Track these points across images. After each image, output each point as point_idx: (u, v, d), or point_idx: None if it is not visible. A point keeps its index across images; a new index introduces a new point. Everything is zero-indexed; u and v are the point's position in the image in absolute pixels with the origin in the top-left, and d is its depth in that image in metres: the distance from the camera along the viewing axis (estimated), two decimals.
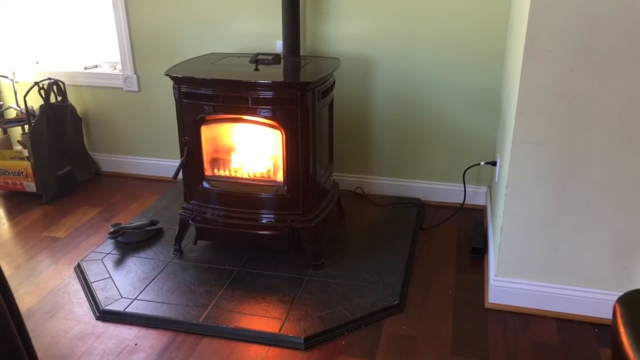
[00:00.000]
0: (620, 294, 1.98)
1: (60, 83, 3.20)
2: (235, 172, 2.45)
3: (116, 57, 3.23)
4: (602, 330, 2.00)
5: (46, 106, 3.10)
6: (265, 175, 2.43)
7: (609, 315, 2.00)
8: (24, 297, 2.22)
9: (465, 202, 2.86)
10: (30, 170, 3.05)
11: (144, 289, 2.24)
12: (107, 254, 2.51)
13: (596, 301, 2.03)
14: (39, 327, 2.05)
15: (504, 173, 2.11)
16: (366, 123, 2.97)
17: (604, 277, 2.01)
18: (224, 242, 2.55)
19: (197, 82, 2.26)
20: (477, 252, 2.49)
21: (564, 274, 2.04)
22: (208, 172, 2.42)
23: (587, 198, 1.93)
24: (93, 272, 2.37)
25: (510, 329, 2.03)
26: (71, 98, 3.29)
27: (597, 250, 1.98)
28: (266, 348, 1.94)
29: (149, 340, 1.98)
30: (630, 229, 1.93)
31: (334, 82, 2.51)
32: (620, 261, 1.98)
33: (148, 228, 2.65)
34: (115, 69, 3.30)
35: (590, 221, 1.95)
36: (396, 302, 2.15)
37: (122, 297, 2.19)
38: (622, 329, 1.19)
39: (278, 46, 2.85)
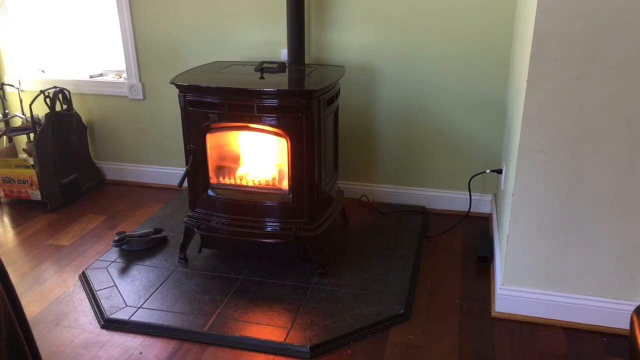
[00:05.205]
0: (629, 302, 1.98)
1: (65, 91, 3.21)
2: (240, 180, 2.45)
3: (121, 65, 3.25)
4: (610, 340, 1.99)
5: (52, 114, 3.11)
6: (270, 183, 2.43)
7: (618, 325, 2.00)
8: (29, 306, 2.21)
9: (471, 210, 2.84)
10: (35, 179, 3.05)
11: (149, 297, 2.24)
12: (112, 262, 2.51)
13: (604, 310, 2.01)
14: (44, 335, 2.04)
15: (510, 181, 2.10)
16: (371, 131, 2.97)
17: (612, 286, 1.99)
18: (228, 250, 2.54)
19: (202, 90, 2.26)
20: (483, 261, 2.48)
21: (572, 282, 2.03)
22: (213, 180, 2.42)
23: (594, 206, 1.92)
24: (98, 280, 2.36)
25: (517, 338, 2.01)
26: (76, 106, 3.30)
27: (605, 259, 1.97)
28: (271, 357, 1.93)
29: (154, 349, 1.97)
30: (638, 238, 1.92)
31: (339, 90, 2.51)
32: (628, 270, 1.96)
33: (153, 236, 2.65)
34: (120, 77, 3.31)
35: (597, 229, 1.94)
36: (402, 311, 2.13)
37: (126, 305, 2.19)
38: None
39: (283, 54, 2.86)
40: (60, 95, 3.19)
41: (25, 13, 3.37)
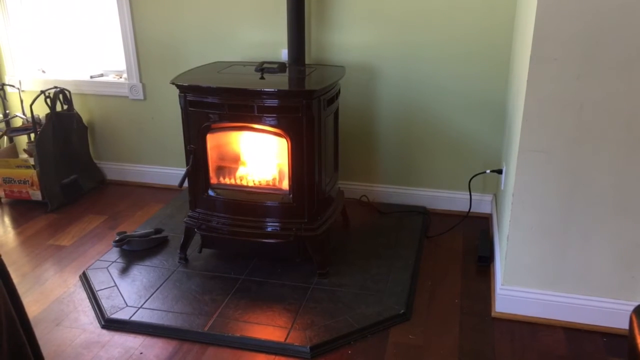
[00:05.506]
0: (629, 302, 1.98)
1: (66, 92, 3.21)
2: (241, 180, 2.45)
3: (122, 65, 3.25)
4: (611, 340, 1.99)
5: (52, 115, 3.12)
6: (271, 184, 2.43)
7: (618, 325, 2.00)
8: (30, 306, 2.21)
9: (471, 210, 2.85)
10: (35, 179, 3.06)
11: (149, 297, 2.24)
12: (113, 262, 2.51)
13: (604, 310, 2.01)
14: (45, 335, 2.04)
15: (510, 181, 2.10)
16: (371, 131, 2.97)
17: (612, 286, 2.00)
18: (229, 251, 2.55)
19: (203, 90, 2.26)
20: (483, 261, 2.48)
21: (572, 282, 2.03)
22: (213, 180, 2.42)
23: (594, 206, 1.92)
24: (98, 280, 2.36)
25: (517, 339, 2.01)
26: (77, 106, 3.30)
27: (605, 259, 1.97)
28: (272, 357, 1.93)
29: (155, 349, 1.97)
30: (638, 238, 1.92)
31: (339, 91, 2.51)
32: (628, 270, 1.96)
33: (153, 236, 2.65)
34: (121, 77, 3.31)
35: (597, 229, 1.94)
36: (402, 311, 2.13)
37: (127, 305, 2.19)
38: None
39: (283, 55, 2.86)
40: (60, 96, 3.19)
41: (26, 13, 3.37)
